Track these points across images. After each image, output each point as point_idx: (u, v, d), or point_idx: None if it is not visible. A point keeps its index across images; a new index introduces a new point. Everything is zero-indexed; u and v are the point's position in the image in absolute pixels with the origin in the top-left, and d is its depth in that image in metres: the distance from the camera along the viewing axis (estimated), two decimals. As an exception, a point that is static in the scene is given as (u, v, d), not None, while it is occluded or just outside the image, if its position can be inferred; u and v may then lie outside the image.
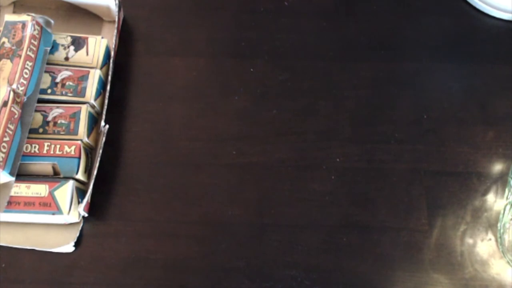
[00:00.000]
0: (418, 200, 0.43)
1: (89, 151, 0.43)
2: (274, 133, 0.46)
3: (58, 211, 0.39)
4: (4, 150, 0.38)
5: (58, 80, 0.44)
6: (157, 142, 0.45)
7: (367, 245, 0.42)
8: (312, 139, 0.46)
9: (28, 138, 0.41)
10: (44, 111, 0.43)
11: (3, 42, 0.42)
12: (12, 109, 0.39)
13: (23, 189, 0.40)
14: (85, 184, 0.42)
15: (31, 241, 0.41)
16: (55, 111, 0.43)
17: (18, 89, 0.40)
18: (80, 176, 0.41)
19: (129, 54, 0.49)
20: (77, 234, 0.41)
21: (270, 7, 0.52)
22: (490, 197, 0.44)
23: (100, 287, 0.40)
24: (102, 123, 0.44)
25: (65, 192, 0.40)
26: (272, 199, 0.43)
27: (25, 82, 0.41)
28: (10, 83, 0.40)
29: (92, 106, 0.44)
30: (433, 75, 0.49)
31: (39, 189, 0.40)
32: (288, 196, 0.43)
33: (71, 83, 0.44)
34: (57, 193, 0.40)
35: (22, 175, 0.40)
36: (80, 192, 0.41)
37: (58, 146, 0.41)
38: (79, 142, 0.42)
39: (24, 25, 0.42)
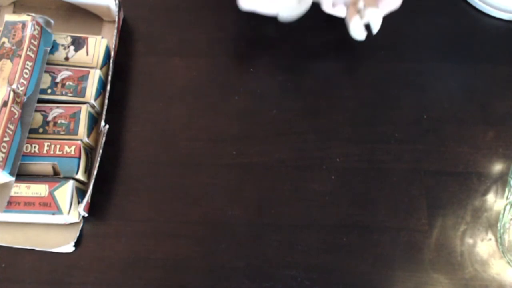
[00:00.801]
0: (418, 200, 0.43)
1: (89, 151, 0.43)
2: (274, 133, 0.46)
3: (58, 211, 0.39)
4: (4, 150, 0.38)
5: (58, 80, 0.44)
6: (157, 142, 0.45)
7: (367, 245, 0.42)
8: (312, 139, 0.46)
9: (28, 138, 0.41)
10: (44, 111, 0.43)
11: (3, 42, 0.42)
12: (12, 109, 0.39)
13: (23, 189, 0.40)
14: (85, 184, 0.42)
15: (31, 241, 0.41)
16: (55, 111, 0.43)
17: (18, 89, 0.40)
18: (80, 176, 0.41)
19: (129, 54, 0.49)
20: (77, 234, 0.41)
21: (270, 7, 0.52)
22: (490, 197, 0.44)
23: (100, 287, 0.40)
24: (102, 123, 0.44)
25: (65, 192, 0.40)
26: (272, 199, 0.43)
27: (25, 82, 0.41)
28: (10, 83, 0.40)
29: (92, 106, 0.44)
30: (433, 75, 0.49)
31: (39, 189, 0.40)
32: (288, 196, 0.43)
33: (71, 83, 0.44)
34: (57, 193, 0.40)
35: (22, 175, 0.40)
36: (80, 192, 0.41)
37: (58, 146, 0.41)
38: (79, 142, 0.42)
39: (24, 25, 0.42)
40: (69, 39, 0.46)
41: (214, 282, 0.41)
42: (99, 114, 0.45)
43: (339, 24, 0.50)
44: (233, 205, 0.43)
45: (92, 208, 0.42)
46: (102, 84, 0.45)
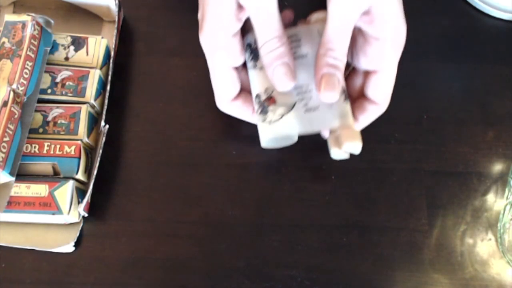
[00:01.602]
0: (418, 200, 0.43)
1: (89, 151, 0.43)
2: (274, 133, 0.46)
3: (58, 211, 0.39)
4: (4, 150, 0.38)
5: (58, 80, 0.44)
6: (157, 142, 0.45)
7: (367, 245, 0.42)
8: (312, 139, 0.46)
9: (28, 138, 0.41)
10: (44, 111, 0.43)
11: (3, 42, 0.42)
12: (12, 109, 0.39)
13: (23, 189, 0.40)
14: (85, 184, 0.42)
15: (31, 241, 0.41)
16: (55, 111, 0.43)
17: (18, 89, 0.40)
18: (80, 176, 0.41)
19: (129, 54, 0.49)
20: (77, 234, 0.41)
21: (270, 7, 0.52)
22: (490, 197, 0.44)
23: (100, 287, 0.40)
24: (102, 123, 0.44)
25: (65, 192, 0.40)
26: (272, 199, 0.43)
27: (25, 82, 0.41)
28: (10, 83, 0.40)
29: (92, 106, 0.44)
30: (433, 75, 0.49)
31: (39, 189, 0.40)
32: (288, 196, 0.43)
33: (71, 83, 0.44)
34: (57, 193, 0.40)
35: (22, 175, 0.40)
36: (80, 192, 0.41)
37: (58, 146, 0.41)
38: (79, 142, 0.42)
39: (24, 25, 0.42)
40: (69, 39, 0.46)
41: (214, 282, 0.41)
42: (99, 114, 0.45)
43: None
44: (233, 205, 0.43)
45: (92, 208, 0.42)
46: (102, 84, 0.45)
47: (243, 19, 0.37)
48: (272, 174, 0.44)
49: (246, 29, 0.39)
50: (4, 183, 0.38)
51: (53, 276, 0.41)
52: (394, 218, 0.43)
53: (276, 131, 0.38)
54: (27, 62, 0.41)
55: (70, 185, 0.40)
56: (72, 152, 0.41)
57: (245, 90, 0.40)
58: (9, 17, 0.43)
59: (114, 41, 0.46)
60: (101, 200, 0.43)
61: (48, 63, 0.44)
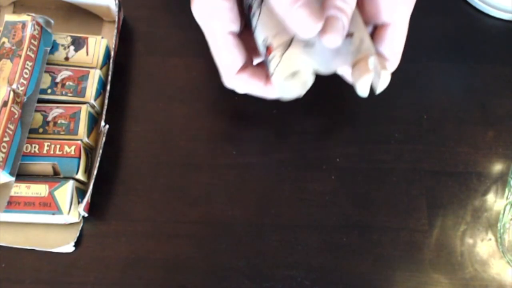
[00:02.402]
0: (418, 200, 0.43)
1: (89, 151, 0.43)
2: (274, 133, 0.46)
3: (58, 211, 0.39)
4: (4, 150, 0.38)
5: (58, 80, 0.44)
6: (157, 142, 0.45)
7: (367, 245, 0.42)
8: (312, 139, 0.46)
9: (28, 138, 0.41)
10: (44, 111, 0.43)
11: (3, 42, 0.42)
12: (12, 109, 0.39)
13: (23, 189, 0.40)
14: (85, 184, 0.42)
15: (31, 241, 0.41)
16: (55, 111, 0.43)
17: (18, 89, 0.40)
18: (80, 176, 0.41)
19: (129, 54, 0.49)
20: (77, 234, 0.41)
21: (270, 7, 0.52)
22: (490, 197, 0.44)
23: (100, 287, 0.40)
24: (102, 123, 0.44)
25: (65, 192, 0.40)
26: (272, 199, 0.43)
27: (25, 82, 0.41)
28: (10, 83, 0.40)
29: (92, 106, 0.44)
30: (433, 75, 0.49)
31: (39, 189, 0.40)
32: (288, 196, 0.43)
33: (71, 83, 0.44)
34: (57, 193, 0.40)
35: (22, 175, 0.40)
36: (80, 192, 0.41)
37: (58, 146, 0.41)
38: (79, 142, 0.42)
39: (24, 25, 0.42)
40: (69, 39, 0.46)
41: (214, 282, 0.41)
42: (99, 114, 0.45)
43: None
44: (233, 205, 0.43)
45: (92, 208, 0.42)
46: (102, 84, 0.45)
47: None
48: (272, 174, 0.44)
49: None
50: (4, 183, 0.38)
51: (53, 276, 0.41)
52: (394, 218, 0.43)
53: (280, 73, 0.35)
54: (27, 62, 0.41)
55: (70, 185, 0.40)
56: (72, 152, 0.41)
57: (251, 62, 0.38)
58: (9, 17, 0.43)
59: (114, 41, 0.46)
60: (101, 200, 0.43)
61: (48, 63, 0.44)
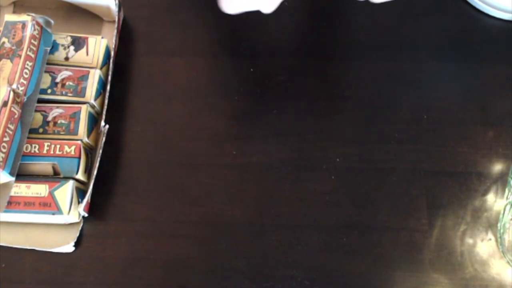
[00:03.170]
0: (418, 200, 0.43)
1: (89, 151, 0.43)
2: (274, 133, 0.46)
3: (58, 211, 0.39)
4: (4, 150, 0.38)
5: (58, 80, 0.44)
6: (157, 142, 0.45)
7: (367, 245, 0.42)
8: (312, 139, 0.46)
9: (28, 138, 0.41)
10: (44, 111, 0.43)
11: (3, 42, 0.42)
12: (12, 109, 0.39)
13: (23, 189, 0.40)
14: (85, 184, 0.42)
15: (31, 241, 0.41)
16: (55, 111, 0.43)
17: (18, 89, 0.40)
18: (80, 176, 0.41)
19: (129, 54, 0.49)
20: (77, 234, 0.41)
21: (270, 7, 0.52)
22: (490, 197, 0.44)
23: (100, 287, 0.40)
24: (102, 123, 0.44)
25: (65, 192, 0.40)
26: (272, 199, 0.43)
27: (25, 82, 0.41)
28: (10, 83, 0.40)
29: (92, 106, 0.44)
30: (433, 75, 0.49)
31: (39, 189, 0.40)
32: (288, 196, 0.43)
33: (71, 83, 0.44)
34: (57, 193, 0.40)
35: (22, 175, 0.40)
36: (80, 192, 0.41)
37: (58, 146, 0.41)
38: (79, 142, 0.42)
39: (24, 25, 0.42)
40: (69, 39, 0.46)
41: (214, 282, 0.41)
42: (99, 114, 0.45)
43: (340, 23, 0.50)
44: (233, 205, 0.43)
45: (92, 208, 0.42)
46: (102, 84, 0.45)
47: None
48: (272, 174, 0.44)
49: None
50: (4, 183, 0.38)
51: (53, 276, 0.41)
52: (394, 218, 0.43)
53: None
54: (27, 62, 0.41)
55: (70, 185, 0.40)
56: (72, 152, 0.41)
57: None
58: (9, 17, 0.43)
59: (114, 41, 0.46)
60: (101, 200, 0.43)
61: (48, 63, 0.44)
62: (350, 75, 0.49)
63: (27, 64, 0.41)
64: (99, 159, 0.42)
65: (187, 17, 0.51)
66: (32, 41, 0.42)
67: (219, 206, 0.43)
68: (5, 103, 0.39)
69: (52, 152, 0.41)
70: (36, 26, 0.43)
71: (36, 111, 0.42)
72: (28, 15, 0.43)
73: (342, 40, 0.50)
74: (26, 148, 0.41)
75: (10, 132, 0.39)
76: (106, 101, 0.44)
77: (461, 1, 0.52)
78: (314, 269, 0.41)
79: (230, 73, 0.48)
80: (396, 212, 0.43)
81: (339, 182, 0.44)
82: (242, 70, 0.49)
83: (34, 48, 0.42)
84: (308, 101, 0.47)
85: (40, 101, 0.43)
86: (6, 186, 0.38)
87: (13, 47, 0.41)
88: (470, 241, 0.42)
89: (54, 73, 0.44)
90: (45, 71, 0.44)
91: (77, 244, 0.41)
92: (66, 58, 0.45)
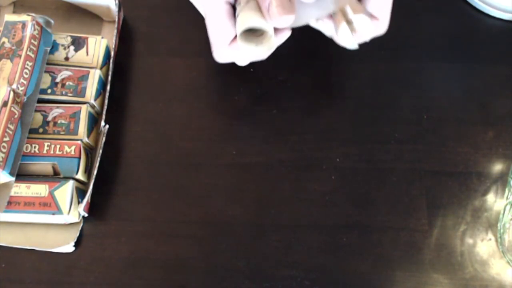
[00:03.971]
0: (418, 200, 0.43)
1: (89, 151, 0.43)
2: (274, 133, 0.46)
3: (58, 211, 0.39)
4: (4, 150, 0.38)
5: (58, 80, 0.44)
6: (157, 142, 0.45)
7: (367, 245, 0.42)
8: (312, 139, 0.46)
9: (28, 138, 0.41)
10: (44, 111, 0.43)
11: (3, 42, 0.42)
12: (12, 109, 0.39)
13: (23, 189, 0.40)
14: (85, 184, 0.42)
15: (31, 241, 0.41)
16: (55, 111, 0.43)
17: (18, 89, 0.40)
18: (80, 176, 0.41)
19: (129, 54, 0.49)
20: (77, 234, 0.41)
21: (270, 7, 0.52)
22: (490, 197, 0.44)
23: (100, 287, 0.40)
24: (102, 123, 0.44)
25: (65, 192, 0.40)
26: (272, 199, 0.43)
27: (25, 82, 0.41)
28: (10, 83, 0.40)
29: (92, 106, 0.44)
30: (433, 75, 0.49)
31: (39, 189, 0.40)
32: (288, 196, 0.43)
33: (71, 83, 0.44)
34: (57, 193, 0.40)
35: (22, 175, 0.40)
36: (80, 192, 0.41)
37: (58, 146, 0.41)
38: (79, 142, 0.42)
39: (24, 25, 0.42)
40: (69, 39, 0.46)
41: (214, 282, 0.41)
42: (99, 114, 0.45)
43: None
44: (233, 205, 0.43)
45: (92, 208, 0.42)
46: (102, 84, 0.45)
47: None
48: (272, 174, 0.44)
49: None
50: (4, 183, 0.38)
51: (53, 276, 0.41)
52: (394, 218, 0.43)
53: (237, 27, 0.36)
54: (27, 62, 0.41)
55: (70, 185, 0.40)
56: (72, 152, 0.41)
57: None
58: (9, 17, 0.43)
59: (114, 41, 0.46)
60: (101, 200, 0.43)
61: (48, 63, 0.44)
62: (350, 75, 0.49)
63: (27, 64, 0.41)
64: (99, 159, 0.42)
65: (187, 17, 0.51)
66: (32, 41, 0.42)
67: (219, 206, 0.43)
68: (5, 103, 0.39)
69: (52, 152, 0.41)
70: (36, 26, 0.43)
71: (36, 111, 0.42)
72: (28, 15, 0.43)
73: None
74: (26, 148, 0.41)
75: (10, 132, 0.39)
76: (106, 101, 0.44)
77: (461, 1, 0.52)
78: (314, 269, 0.41)
79: (230, 73, 0.48)
80: (396, 212, 0.43)
81: (339, 182, 0.44)
82: (242, 70, 0.49)
83: (34, 48, 0.42)
84: (308, 101, 0.47)
85: (40, 101, 0.43)
86: (6, 186, 0.38)
87: (13, 47, 0.41)
88: (470, 241, 0.42)
89: (54, 73, 0.44)
90: (45, 71, 0.44)
91: (77, 244, 0.41)
92: (66, 58, 0.45)
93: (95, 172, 0.41)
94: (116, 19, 0.47)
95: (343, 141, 0.46)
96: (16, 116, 0.39)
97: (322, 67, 0.49)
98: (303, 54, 0.49)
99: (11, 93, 0.39)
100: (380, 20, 0.39)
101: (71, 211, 0.40)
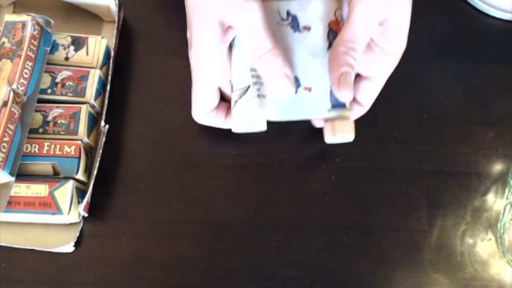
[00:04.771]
0: (418, 200, 0.43)
1: (89, 151, 0.43)
2: (274, 133, 0.46)
3: (58, 211, 0.39)
4: (4, 150, 0.38)
5: (58, 80, 0.44)
6: (157, 142, 0.45)
7: (367, 245, 0.42)
8: (312, 139, 0.46)
9: (28, 138, 0.41)
10: (44, 111, 0.43)
11: (3, 42, 0.42)
12: (12, 109, 0.39)
13: (23, 189, 0.40)
14: (85, 184, 0.42)
15: (31, 241, 0.41)
16: (55, 111, 0.43)
17: (18, 89, 0.40)
18: (80, 176, 0.41)
19: (129, 54, 0.49)
20: (77, 234, 0.41)
21: (270, 7, 0.52)
22: (490, 197, 0.44)
23: (100, 287, 0.40)
24: (102, 123, 0.44)
25: (65, 192, 0.40)
26: (272, 199, 0.43)
27: (25, 82, 0.41)
28: (10, 83, 0.40)
29: (92, 106, 0.44)
30: (433, 75, 0.49)
31: (39, 189, 0.40)
32: (288, 196, 0.43)
33: (71, 83, 0.44)
34: (57, 193, 0.40)
35: (22, 175, 0.40)
36: (80, 192, 0.41)
37: (58, 146, 0.41)
38: (79, 142, 0.42)
39: (24, 25, 0.42)
40: (69, 39, 0.46)
41: (214, 282, 0.41)
42: (99, 114, 0.45)
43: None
44: (233, 205, 0.43)
45: (92, 208, 0.42)
46: (102, 84, 0.45)
47: (229, 40, 0.38)
48: (272, 174, 0.44)
49: None
50: (4, 183, 0.38)
51: (53, 276, 0.41)
52: (394, 218, 0.43)
53: (233, 119, 0.40)
54: (27, 62, 0.41)
55: (70, 185, 0.40)
56: (72, 152, 0.41)
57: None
58: (9, 17, 0.43)
59: (114, 41, 0.46)
60: (101, 200, 0.43)
61: (48, 63, 0.44)
62: (350, 75, 0.49)
63: (27, 64, 0.41)
64: (99, 159, 0.42)
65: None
66: (32, 41, 0.42)
67: (219, 206, 0.43)
68: (5, 103, 0.39)
69: (52, 152, 0.41)
70: (36, 26, 0.43)
71: (36, 111, 0.42)
72: (28, 15, 0.43)
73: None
74: (26, 148, 0.41)
75: (10, 132, 0.39)
76: (106, 101, 0.44)
77: (461, 1, 0.52)
78: (314, 269, 0.41)
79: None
80: (396, 212, 0.43)
81: (339, 182, 0.44)
82: (242, 70, 0.49)
83: (34, 48, 0.42)
84: (308, 101, 0.47)
85: (40, 101, 0.43)
86: (6, 186, 0.38)
87: (13, 47, 0.42)
88: (470, 241, 0.42)
89: (54, 73, 0.44)
90: (45, 71, 0.44)
91: (77, 244, 0.41)
92: (66, 58, 0.45)
93: (95, 172, 0.41)
94: (116, 19, 0.47)
95: (343, 141, 0.46)
96: (16, 116, 0.39)
97: (322, 67, 0.49)
98: (303, 54, 0.49)
99: (11, 93, 0.39)
100: (365, 107, 0.42)
101: (71, 211, 0.40)
